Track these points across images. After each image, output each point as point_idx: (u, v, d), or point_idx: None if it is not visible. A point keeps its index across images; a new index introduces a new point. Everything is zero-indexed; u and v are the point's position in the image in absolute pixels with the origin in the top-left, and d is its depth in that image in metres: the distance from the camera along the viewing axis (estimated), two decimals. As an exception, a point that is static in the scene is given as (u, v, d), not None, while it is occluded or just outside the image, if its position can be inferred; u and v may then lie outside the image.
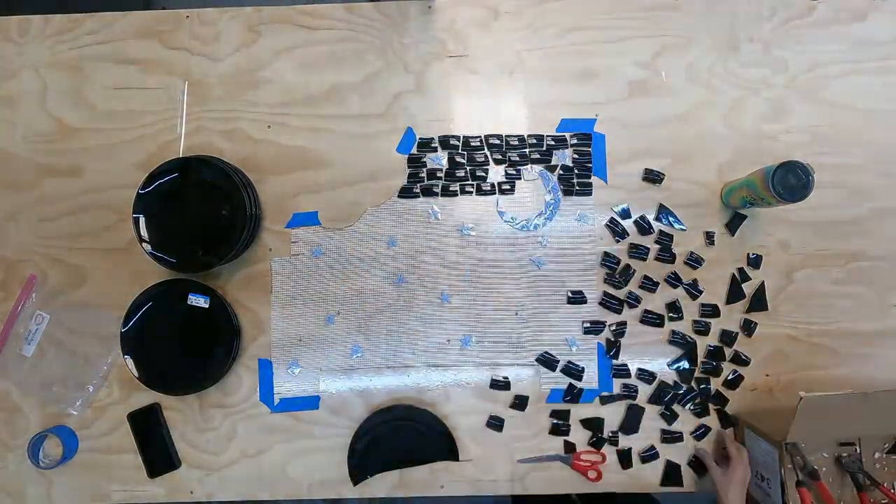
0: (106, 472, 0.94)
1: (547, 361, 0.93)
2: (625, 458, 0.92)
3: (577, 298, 0.93)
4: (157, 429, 0.93)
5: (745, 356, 0.93)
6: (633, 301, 0.93)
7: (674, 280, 0.93)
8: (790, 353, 0.93)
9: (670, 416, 0.92)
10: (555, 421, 0.92)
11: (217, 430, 0.94)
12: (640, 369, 0.93)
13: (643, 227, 0.94)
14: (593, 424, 0.92)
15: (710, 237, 0.93)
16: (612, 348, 0.93)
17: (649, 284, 0.93)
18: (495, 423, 0.93)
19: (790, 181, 0.79)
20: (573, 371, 0.93)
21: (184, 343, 0.91)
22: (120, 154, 0.96)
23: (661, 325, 0.93)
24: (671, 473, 0.92)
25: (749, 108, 0.95)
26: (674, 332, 0.93)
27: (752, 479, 0.85)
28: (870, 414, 0.79)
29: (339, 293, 0.94)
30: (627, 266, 0.93)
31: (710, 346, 0.93)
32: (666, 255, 0.93)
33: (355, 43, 0.97)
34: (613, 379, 0.93)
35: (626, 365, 0.93)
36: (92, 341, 0.94)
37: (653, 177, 0.94)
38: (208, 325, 0.90)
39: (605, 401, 0.92)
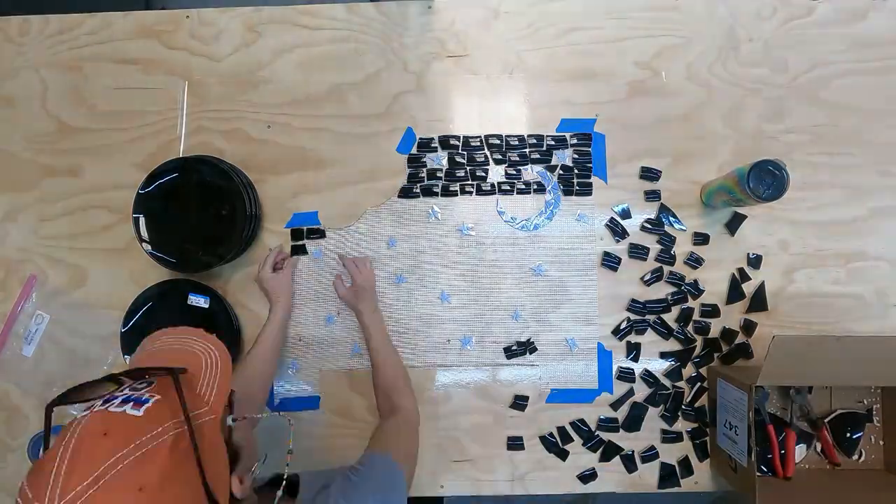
0: (106, 472, 0.94)
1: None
2: (627, 460, 0.92)
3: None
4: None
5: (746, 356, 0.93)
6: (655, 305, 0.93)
7: (675, 280, 0.93)
8: (790, 353, 0.93)
9: (671, 418, 0.92)
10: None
11: (217, 430, 0.94)
12: (643, 370, 0.93)
13: (644, 227, 0.94)
14: (607, 425, 0.93)
15: (706, 238, 0.93)
16: (631, 351, 0.93)
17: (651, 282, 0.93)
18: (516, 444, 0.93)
19: (766, 181, 0.78)
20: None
21: (184, 343, 0.90)
22: (120, 154, 0.96)
23: (664, 326, 0.93)
24: (670, 474, 0.92)
25: (749, 108, 0.95)
26: (674, 332, 0.93)
27: (720, 428, 0.86)
28: (842, 360, 0.79)
29: (339, 293, 0.94)
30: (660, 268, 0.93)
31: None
32: (666, 255, 0.93)
33: (355, 43, 0.97)
34: (617, 381, 0.93)
35: (631, 368, 0.93)
36: (92, 341, 0.94)
37: (652, 176, 0.94)
38: (208, 325, 0.90)
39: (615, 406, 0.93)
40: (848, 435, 0.90)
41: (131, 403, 0.44)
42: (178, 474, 0.43)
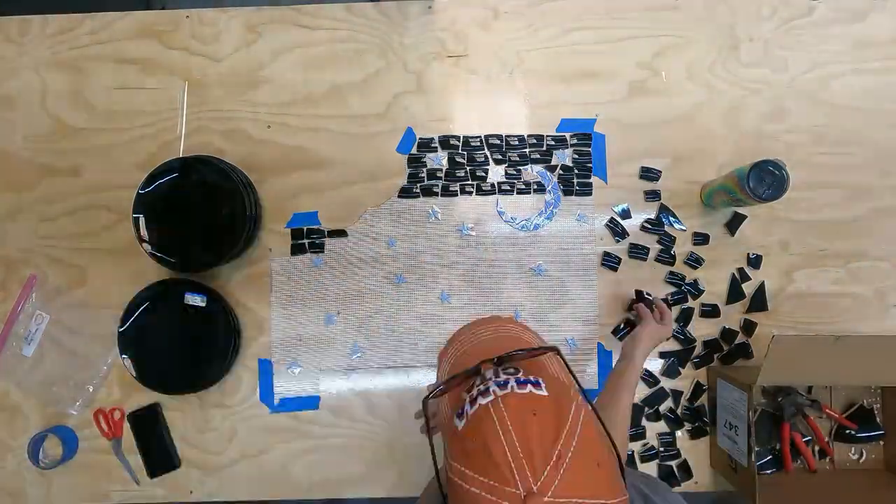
0: (106, 472, 0.94)
1: None
2: (627, 460, 0.92)
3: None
4: (157, 429, 0.93)
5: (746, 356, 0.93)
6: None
7: (676, 280, 0.93)
8: (790, 353, 0.93)
9: (671, 418, 0.92)
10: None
11: (217, 430, 0.94)
12: (643, 370, 0.93)
13: (644, 227, 0.94)
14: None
15: (706, 238, 0.93)
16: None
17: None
18: None
19: (766, 181, 0.78)
20: None
21: (183, 343, 0.90)
22: (120, 154, 0.96)
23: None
24: (669, 474, 0.92)
25: (749, 108, 0.95)
26: (674, 332, 0.93)
27: (720, 429, 0.86)
28: (842, 360, 0.79)
29: (339, 293, 0.94)
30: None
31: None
32: (666, 255, 0.93)
33: (355, 43, 0.97)
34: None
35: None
36: (92, 341, 0.94)
37: (652, 176, 0.94)
38: (208, 325, 0.90)
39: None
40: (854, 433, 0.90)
41: (530, 385, 0.42)
42: (606, 443, 0.43)
